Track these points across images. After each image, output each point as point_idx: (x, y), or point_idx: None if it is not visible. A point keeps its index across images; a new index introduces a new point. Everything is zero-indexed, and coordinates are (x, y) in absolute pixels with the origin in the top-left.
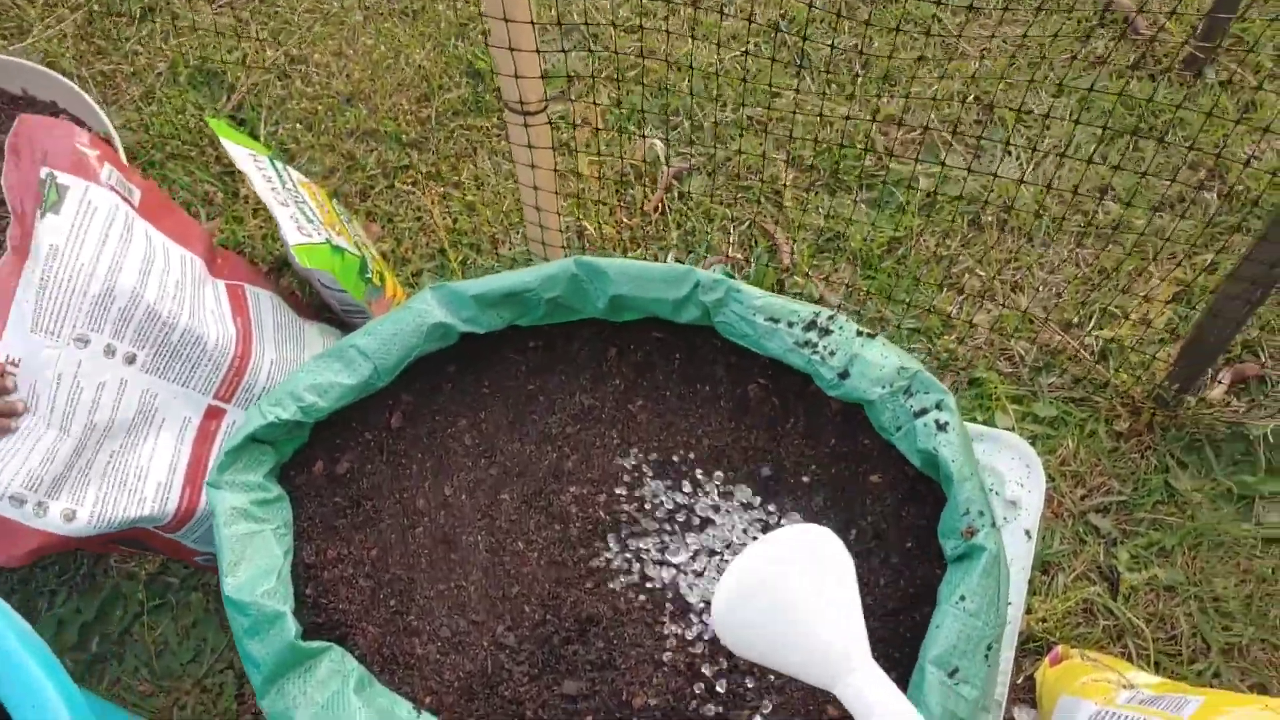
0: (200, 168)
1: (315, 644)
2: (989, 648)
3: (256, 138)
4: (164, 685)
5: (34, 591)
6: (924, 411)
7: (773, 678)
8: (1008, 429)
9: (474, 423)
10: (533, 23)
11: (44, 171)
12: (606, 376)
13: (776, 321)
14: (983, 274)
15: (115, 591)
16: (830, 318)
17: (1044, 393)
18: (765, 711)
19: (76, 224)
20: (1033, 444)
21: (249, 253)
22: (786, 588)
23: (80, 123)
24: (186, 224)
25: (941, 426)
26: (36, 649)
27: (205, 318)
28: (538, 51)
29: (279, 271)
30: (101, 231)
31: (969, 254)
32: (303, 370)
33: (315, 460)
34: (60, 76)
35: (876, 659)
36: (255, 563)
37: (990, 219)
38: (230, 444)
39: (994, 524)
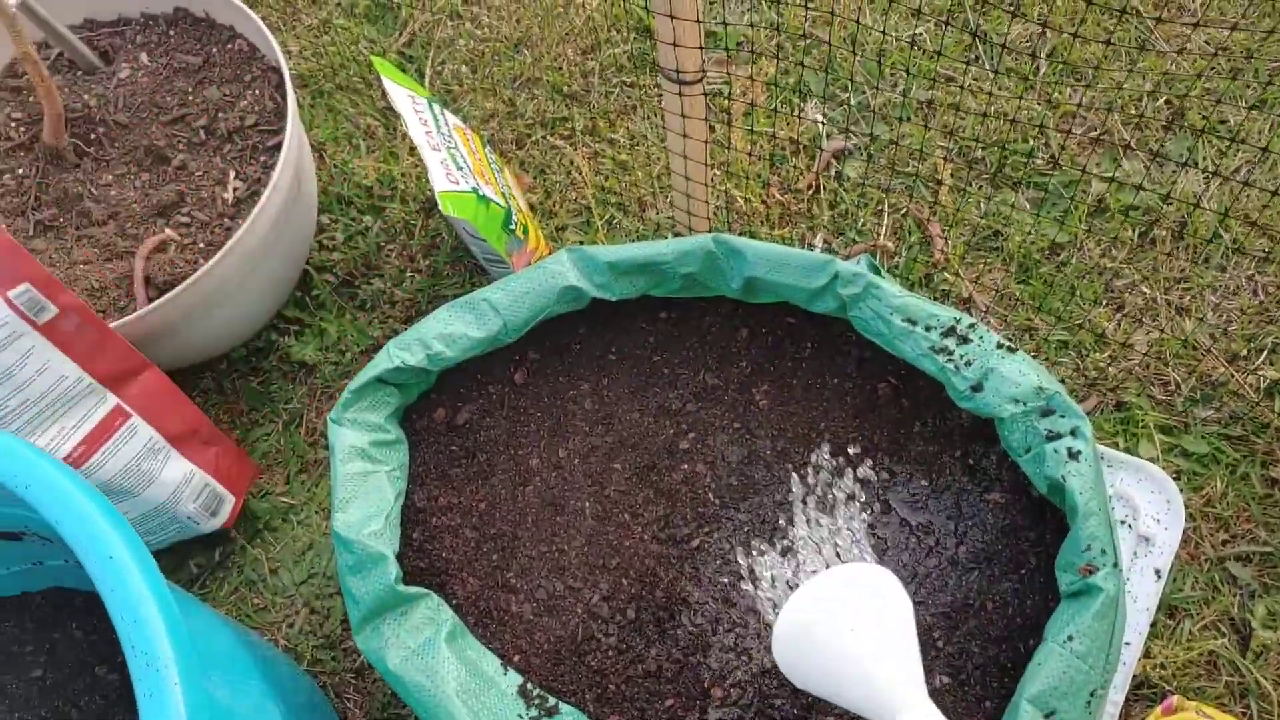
0: (367, 101)
1: (413, 589)
2: (1092, 694)
3: (422, 75)
4: (276, 601)
5: None
6: (1057, 436)
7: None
8: (1151, 459)
9: (596, 388)
10: None
11: None
12: (734, 357)
13: (914, 324)
14: (1147, 292)
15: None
16: (971, 326)
17: (1197, 426)
18: None
19: None
20: (1176, 479)
21: (402, 190)
22: (844, 624)
23: (254, 49)
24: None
25: (1074, 455)
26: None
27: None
28: (698, 21)
29: (427, 213)
30: None
31: (1135, 269)
32: (434, 318)
33: (437, 407)
34: (238, 1)
35: (974, 685)
36: (366, 503)
37: (1164, 234)
38: (356, 383)
39: (1116, 565)
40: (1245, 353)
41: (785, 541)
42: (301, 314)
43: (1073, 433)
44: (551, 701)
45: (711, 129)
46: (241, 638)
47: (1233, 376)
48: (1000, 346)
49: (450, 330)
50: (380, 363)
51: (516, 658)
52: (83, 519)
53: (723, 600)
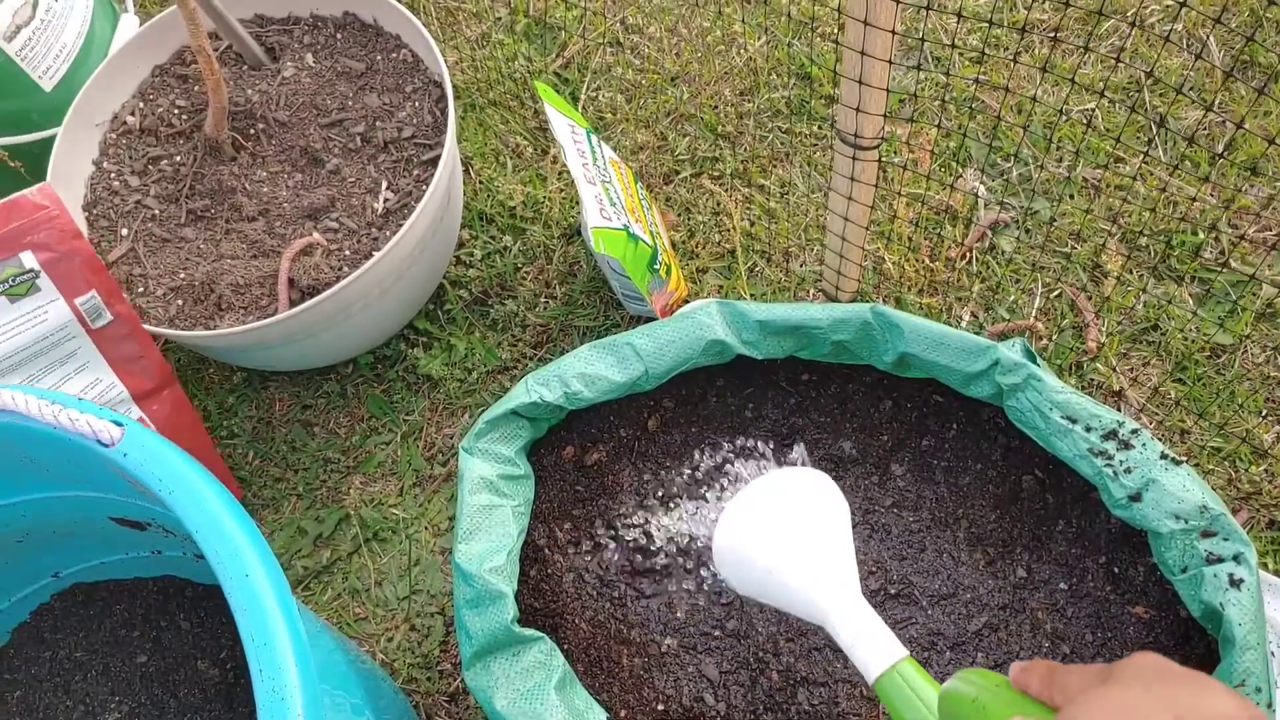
0: (517, 119)
1: (529, 632)
2: None
3: (576, 99)
4: (377, 613)
5: (281, 494)
6: (1219, 560)
7: None
8: None
9: (731, 445)
10: (890, 61)
11: (27, 257)
12: (875, 429)
13: (1074, 422)
14: None
15: (349, 514)
16: (1134, 431)
17: None
18: None
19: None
20: None
21: (545, 213)
22: (779, 526)
23: (418, 60)
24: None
25: (1235, 583)
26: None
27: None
28: (887, 90)
29: (568, 239)
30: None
31: None
32: (575, 356)
33: (566, 445)
34: (407, 12)
35: None
36: (490, 537)
37: None
38: (491, 414)
39: (1271, 705)
40: None
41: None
42: (432, 327)
43: (1235, 558)
44: None
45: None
46: (342, 647)
47: None
48: (1164, 457)
49: (590, 370)
50: (517, 395)
51: (623, 713)
52: (223, 534)
53: (844, 680)
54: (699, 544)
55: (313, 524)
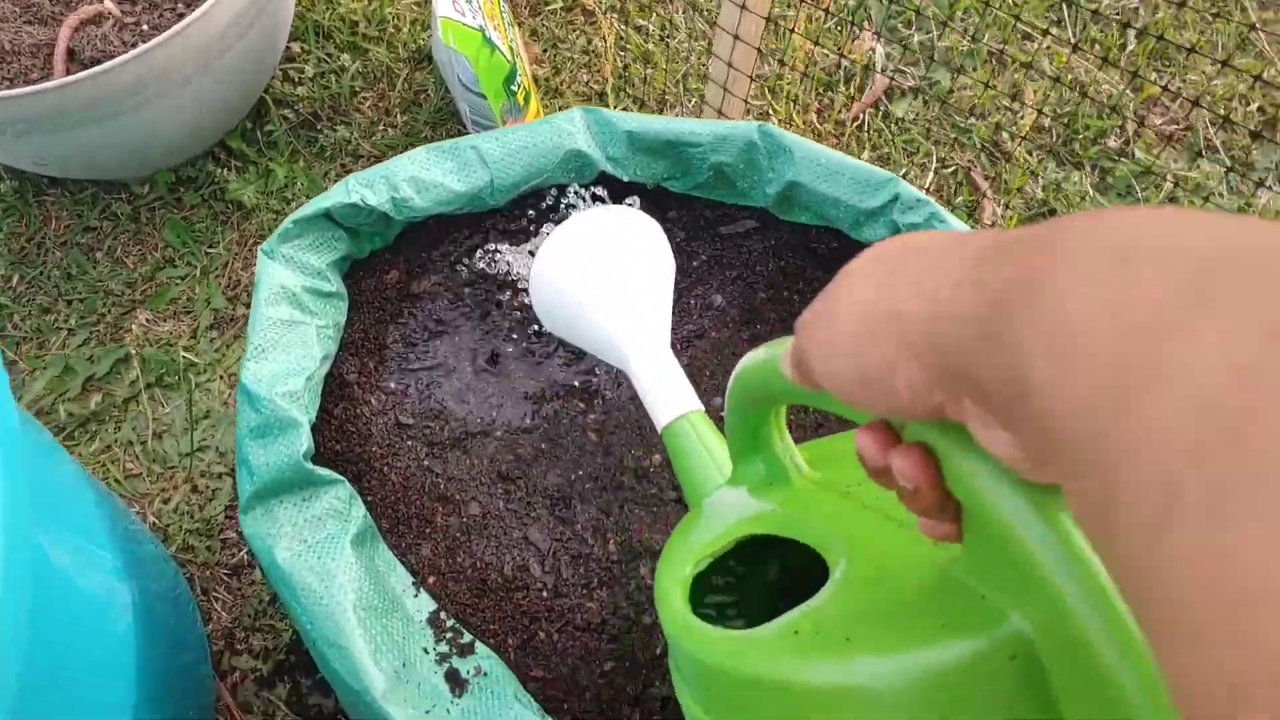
0: None
1: (325, 472)
2: None
3: None
4: (153, 470)
5: (49, 326)
6: None
7: None
8: None
9: None
10: None
11: None
12: (751, 281)
13: None
14: None
15: (129, 355)
16: None
17: None
18: None
19: None
20: None
21: (391, 33)
22: (600, 258)
23: None
24: None
25: None
26: None
27: None
28: None
29: (415, 65)
30: None
31: None
32: (408, 157)
33: (391, 268)
34: None
35: None
36: (287, 356)
37: None
38: (301, 213)
39: None
40: None
41: None
42: (248, 148)
43: None
44: (467, 638)
45: (769, 20)
46: (104, 503)
47: None
48: None
49: (425, 175)
50: (335, 195)
51: (432, 579)
52: None
53: None
54: (539, 397)
55: (84, 364)
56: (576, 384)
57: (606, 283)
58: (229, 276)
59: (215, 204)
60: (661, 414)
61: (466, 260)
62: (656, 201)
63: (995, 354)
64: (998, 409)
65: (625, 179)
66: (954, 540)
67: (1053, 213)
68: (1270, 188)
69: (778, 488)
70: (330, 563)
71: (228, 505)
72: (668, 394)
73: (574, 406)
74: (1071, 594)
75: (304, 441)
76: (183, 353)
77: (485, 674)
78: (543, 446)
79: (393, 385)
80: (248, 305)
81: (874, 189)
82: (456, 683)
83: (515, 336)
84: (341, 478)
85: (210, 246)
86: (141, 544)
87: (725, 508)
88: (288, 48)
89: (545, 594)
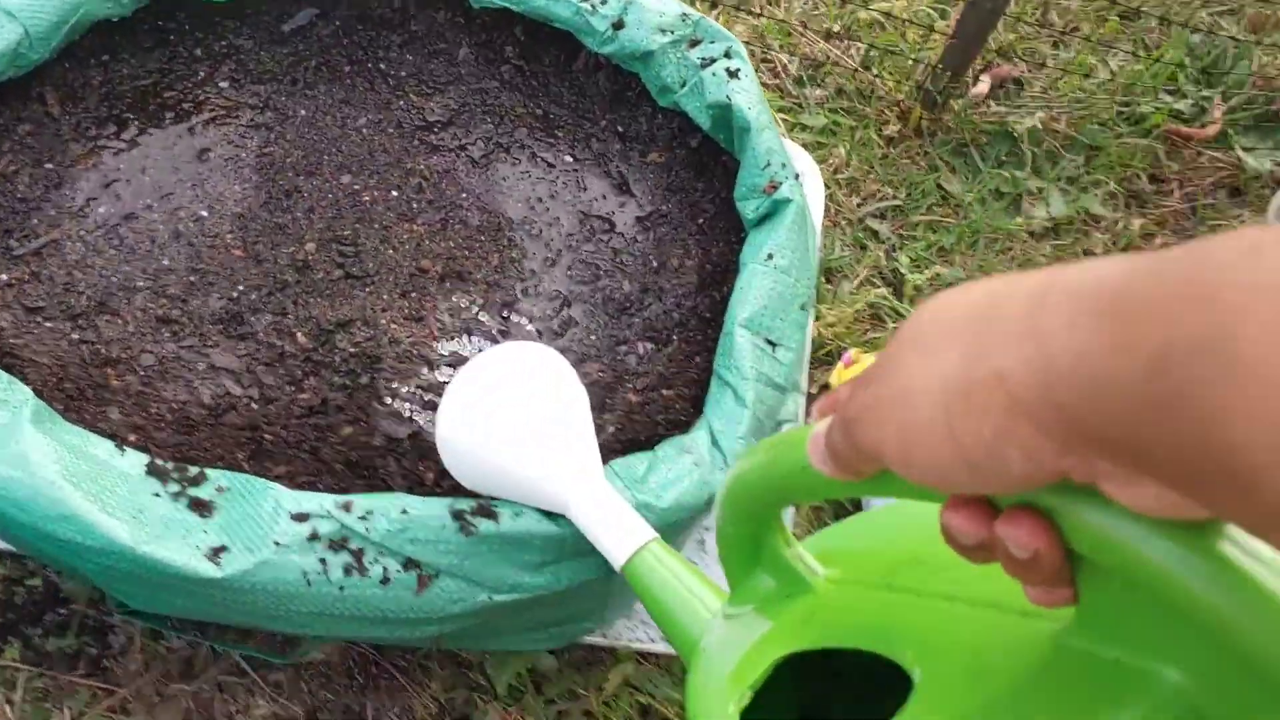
0: None
1: None
2: (801, 307)
3: None
4: None
5: None
6: (711, 61)
7: None
8: None
9: (176, 94)
10: None
11: None
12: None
13: None
14: None
15: None
16: None
17: (810, 104)
18: None
19: None
20: None
21: None
22: (508, 405)
23: None
24: None
25: (734, 74)
26: None
27: None
28: None
29: None
30: None
31: None
32: None
33: None
34: None
35: (679, 343)
36: None
37: None
38: None
39: (797, 175)
40: (838, 29)
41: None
42: None
43: (726, 54)
44: (194, 470)
45: None
46: None
47: (831, 52)
48: None
49: None
50: None
51: (133, 436)
52: None
53: (384, 310)
54: (163, 223)
55: None
56: (204, 213)
57: (522, 426)
58: None
59: None
60: (617, 553)
61: (29, 128)
62: (200, 19)
63: (1172, 420)
64: (1169, 468)
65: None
66: (1071, 604)
67: None
68: None
69: (796, 599)
70: (17, 446)
71: None
72: (618, 531)
73: (206, 229)
74: (1255, 629)
75: None
76: None
77: (228, 489)
78: (191, 280)
79: (4, 278)
80: None
81: None
82: (202, 507)
83: (121, 176)
84: None
85: None
86: None
87: (739, 634)
88: None
89: (255, 405)
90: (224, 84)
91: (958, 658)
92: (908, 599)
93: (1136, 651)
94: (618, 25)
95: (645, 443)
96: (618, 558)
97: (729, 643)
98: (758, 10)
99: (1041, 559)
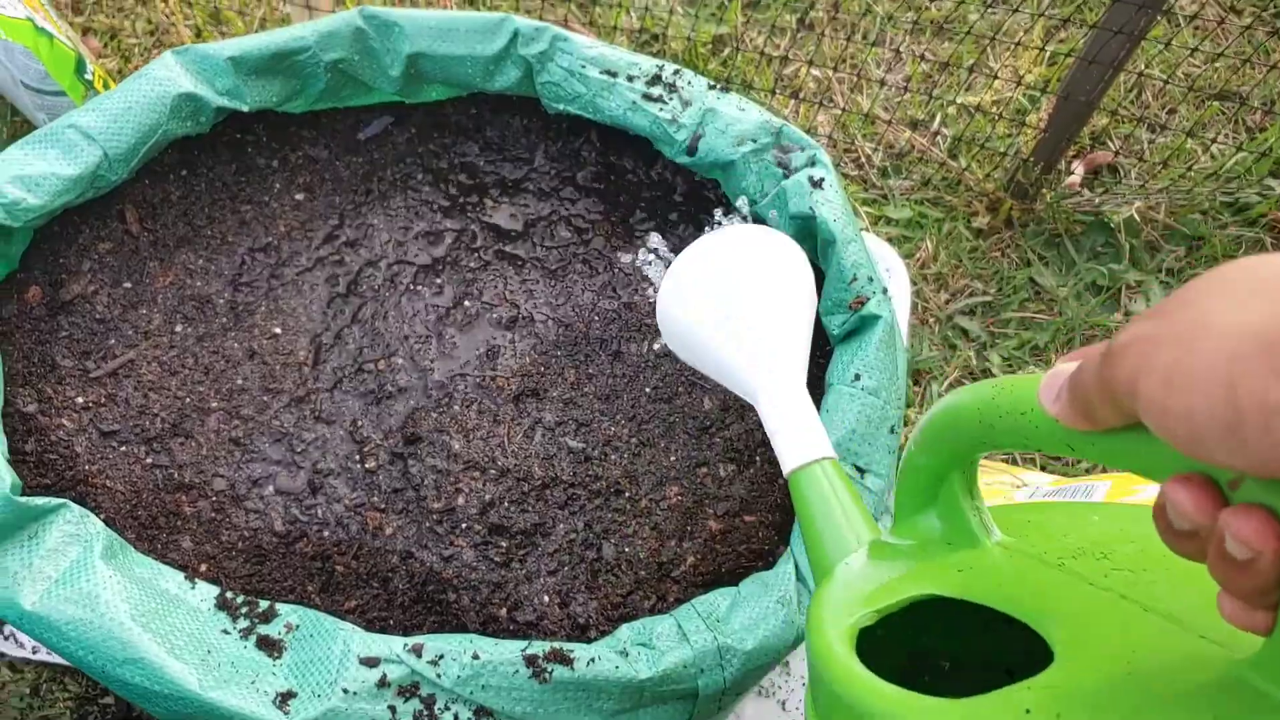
0: None
1: (42, 501)
2: (891, 429)
3: None
4: None
5: None
6: (795, 170)
7: None
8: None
9: (253, 208)
10: None
11: None
12: (443, 172)
13: (614, 75)
14: (818, 74)
15: None
16: (676, 72)
17: (895, 196)
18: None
19: None
20: None
21: None
22: (733, 284)
23: None
24: None
25: (817, 184)
26: None
27: None
28: None
29: None
30: None
31: (800, 53)
32: (3, 159)
33: (28, 286)
34: None
35: (762, 464)
36: None
37: (820, 15)
38: None
39: (885, 290)
40: (924, 117)
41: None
42: None
43: (811, 162)
44: (264, 605)
45: None
46: None
47: (917, 141)
48: (712, 88)
49: (30, 171)
50: None
51: (204, 567)
52: None
53: (462, 430)
54: (249, 356)
55: None
56: (278, 330)
57: (737, 311)
58: None
59: None
60: (789, 458)
61: (109, 247)
62: (277, 130)
63: None
64: None
65: (247, 109)
66: (1262, 632)
67: (657, 39)
68: None
69: (959, 550)
70: (87, 585)
71: None
72: (798, 436)
73: (280, 347)
74: None
75: (6, 477)
76: None
77: (298, 626)
78: (264, 399)
79: (81, 400)
80: None
81: (491, 32)
82: (271, 646)
83: (183, 310)
84: (64, 500)
85: None
86: None
87: (886, 563)
88: None
89: (326, 531)
90: (299, 195)
91: (1111, 646)
92: (1077, 583)
93: None
94: (696, 135)
95: (726, 575)
96: (789, 462)
97: (873, 568)
98: (841, 103)
99: (1260, 565)
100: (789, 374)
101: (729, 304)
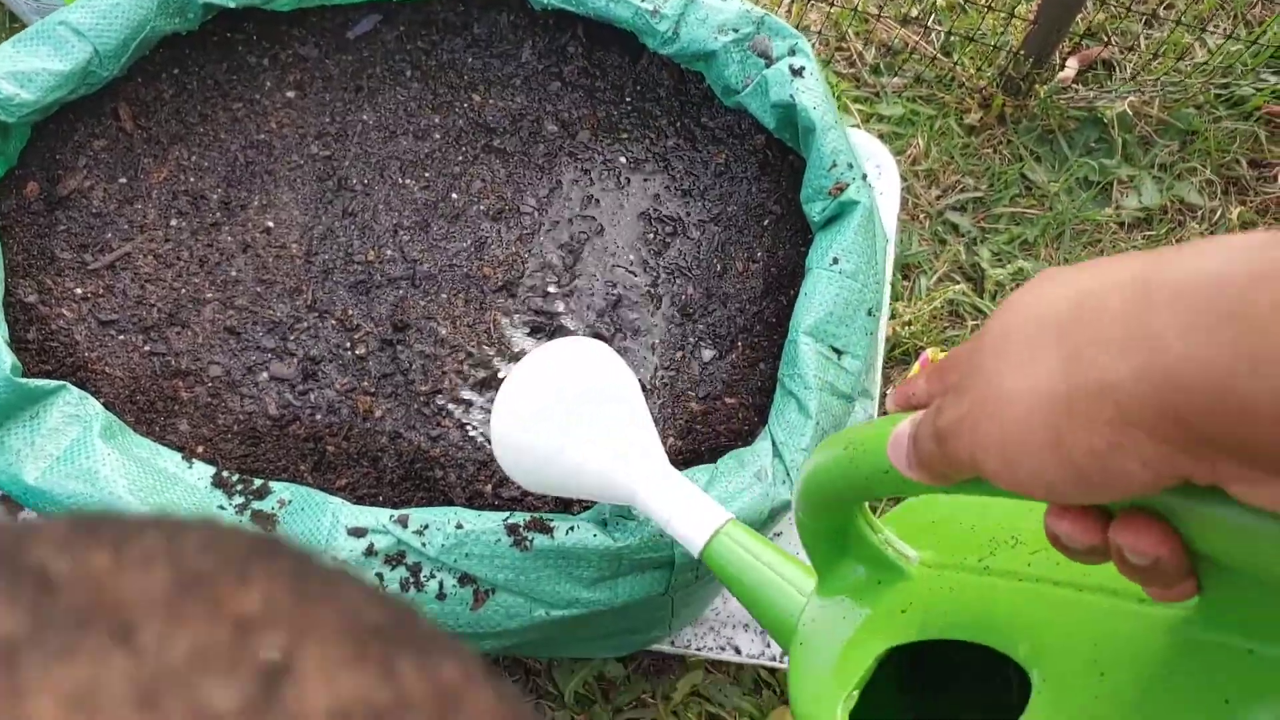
0: None
1: (42, 383)
2: (869, 312)
3: None
4: None
5: None
6: (776, 59)
7: None
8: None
9: (244, 105)
10: None
11: None
12: (440, 67)
13: None
14: None
15: None
16: None
17: (887, 93)
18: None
19: None
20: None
21: None
22: (563, 397)
23: None
24: None
25: (798, 72)
26: None
27: None
28: None
29: None
30: None
31: None
32: None
33: (26, 182)
34: None
35: (742, 349)
36: None
37: None
38: None
39: (864, 176)
40: (916, 13)
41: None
42: None
43: (791, 51)
44: (257, 483)
45: None
46: None
47: (910, 38)
48: None
49: (23, 67)
50: None
51: (201, 448)
52: None
53: (456, 295)
54: (243, 245)
55: None
56: (270, 224)
57: (585, 418)
58: None
59: None
60: (695, 539)
61: (104, 144)
62: (267, 28)
63: None
64: None
65: (234, 5)
66: (1192, 596)
67: None
68: None
69: (889, 586)
70: (87, 462)
71: None
72: (692, 514)
73: (273, 240)
74: None
75: (6, 359)
76: None
77: (289, 501)
78: (257, 290)
79: (80, 291)
80: None
81: None
82: (264, 520)
83: (177, 205)
84: (64, 383)
85: None
86: None
87: (836, 626)
88: None
89: (318, 415)
90: (290, 93)
91: (1076, 650)
92: (1008, 583)
93: (1273, 642)
94: (678, 26)
95: (706, 453)
96: (695, 543)
97: (827, 636)
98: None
99: (1163, 565)
100: (653, 462)
101: (572, 414)
